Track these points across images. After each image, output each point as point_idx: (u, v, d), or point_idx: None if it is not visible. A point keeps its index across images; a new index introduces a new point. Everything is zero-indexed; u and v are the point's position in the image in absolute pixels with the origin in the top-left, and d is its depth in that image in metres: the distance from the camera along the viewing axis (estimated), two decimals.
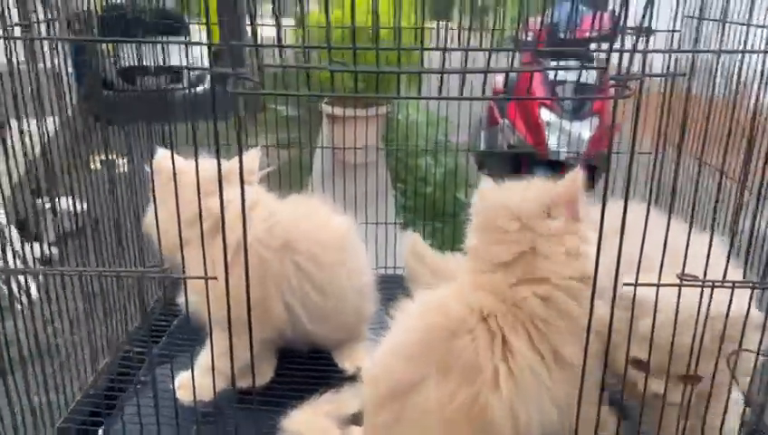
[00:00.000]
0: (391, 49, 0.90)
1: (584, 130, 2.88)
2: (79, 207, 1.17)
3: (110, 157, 1.29)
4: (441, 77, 0.85)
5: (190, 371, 1.14)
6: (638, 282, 0.88)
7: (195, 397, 1.11)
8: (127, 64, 1.55)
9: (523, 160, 3.05)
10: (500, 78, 2.47)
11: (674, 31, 1.40)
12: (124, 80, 1.59)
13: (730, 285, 0.87)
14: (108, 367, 1.22)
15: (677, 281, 0.87)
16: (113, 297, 1.18)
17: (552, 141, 2.97)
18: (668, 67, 1.26)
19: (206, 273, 0.95)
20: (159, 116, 1.58)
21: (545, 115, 2.93)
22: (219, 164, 0.89)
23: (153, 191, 1.15)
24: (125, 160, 1.49)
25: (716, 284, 0.87)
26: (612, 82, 0.80)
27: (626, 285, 0.87)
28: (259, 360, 1.29)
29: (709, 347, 0.89)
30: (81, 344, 1.14)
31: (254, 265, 1.17)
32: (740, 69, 1.00)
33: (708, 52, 1.22)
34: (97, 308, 1.15)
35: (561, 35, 2.48)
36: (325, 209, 1.37)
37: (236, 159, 1.26)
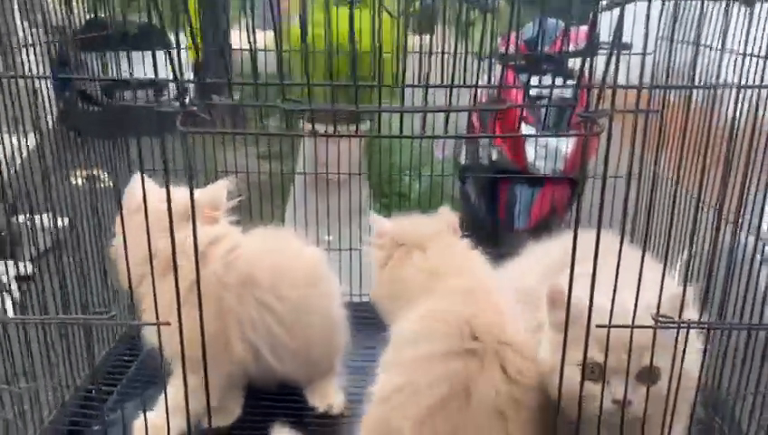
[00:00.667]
0: (361, 85, 0.85)
1: (562, 143, 2.86)
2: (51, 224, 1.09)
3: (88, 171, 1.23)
4: (424, 116, 0.83)
5: (151, 413, 1.10)
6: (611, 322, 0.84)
7: None
8: (111, 78, 1.50)
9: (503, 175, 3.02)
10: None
11: (645, 54, 1.37)
12: (107, 94, 1.54)
13: (705, 325, 0.84)
14: (56, 417, 1.16)
15: (652, 323, 0.83)
16: (62, 343, 1.12)
17: (530, 154, 2.95)
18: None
19: (157, 318, 0.90)
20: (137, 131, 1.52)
21: (525, 129, 2.90)
22: (169, 194, 0.84)
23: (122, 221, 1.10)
24: (105, 176, 1.43)
25: (692, 324, 0.83)
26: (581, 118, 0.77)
27: (599, 326, 0.84)
28: (225, 397, 1.24)
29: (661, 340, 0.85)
30: (30, 394, 1.07)
31: (210, 301, 1.13)
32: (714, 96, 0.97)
33: (680, 87, 1.20)
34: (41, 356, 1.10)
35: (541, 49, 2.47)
36: (296, 241, 1.33)
37: (203, 190, 1.22)
